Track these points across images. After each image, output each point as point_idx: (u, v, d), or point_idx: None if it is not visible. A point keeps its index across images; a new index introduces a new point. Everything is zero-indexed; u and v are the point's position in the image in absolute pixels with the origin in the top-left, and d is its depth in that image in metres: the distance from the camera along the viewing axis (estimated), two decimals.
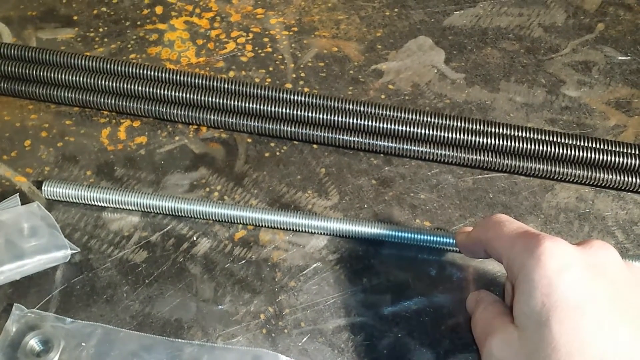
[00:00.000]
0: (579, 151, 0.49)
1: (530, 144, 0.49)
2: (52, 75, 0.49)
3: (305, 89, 0.52)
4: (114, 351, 0.38)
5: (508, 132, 0.49)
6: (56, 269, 0.41)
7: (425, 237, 0.44)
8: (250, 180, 0.47)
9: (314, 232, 0.45)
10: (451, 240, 0.44)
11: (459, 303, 0.42)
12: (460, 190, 0.48)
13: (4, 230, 0.41)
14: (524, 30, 0.59)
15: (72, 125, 0.49)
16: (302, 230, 0.44)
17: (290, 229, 0.44)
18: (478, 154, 0.48)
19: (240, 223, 0.45)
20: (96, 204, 0.44)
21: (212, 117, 0.49)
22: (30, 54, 0.50)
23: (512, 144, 0.48)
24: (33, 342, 0.38)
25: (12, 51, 0.50)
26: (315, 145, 0.49)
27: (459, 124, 0.49)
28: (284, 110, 0.49)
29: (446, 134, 0.48)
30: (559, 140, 0.50)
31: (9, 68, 0.49)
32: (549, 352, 0.31)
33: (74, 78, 0.49)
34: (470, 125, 0.49)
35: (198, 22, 0.56)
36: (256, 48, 0.55)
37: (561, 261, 0.33)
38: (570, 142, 0.50)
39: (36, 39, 0.54)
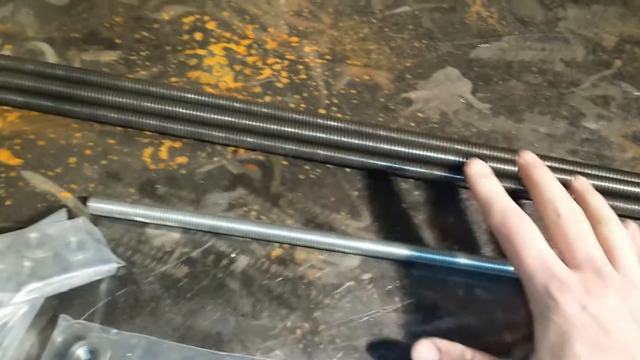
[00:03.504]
0: (599, 181, 0.51)
1: (554, 174, 0.50)
2: (97, 95, 0.51)
3: (338, 115, 0.54)
4: None
5: None
6: (101, 282, 0.43)
7: (454, 259, 0.46)
8: (286, 201, 0.49)
9: (348, 252, 0.46)
10: (480, 264, 0.45)
11: (486, 324, 0.44)
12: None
13: (52, 243, 0.43)
14: (546, 64, 0.62)
15: (115, 144, 0.51)
16: (336, 250, 0.46)
17: (324, 249, 0.46)
18: (505, 181, 0.50)
19: (277, 242, 0.46)
20: (140, 220, 0.46)
21: (249, 139, 0.51)
22: (75, 74, 0.52)
23: None
24: (80, 352, 0.39)
25: (58, 71, 0.52)
26: (347, 169, 0.51)
27: (486, 152, 0.51)
28: (318, 134, 0.51)
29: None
30: (580, 170, 0.52)
31: (55, 87, 0.51)
32: None
33: (117, 99, 0.51)
34: (497, 153, 0.51)
35: (236, 48, 0.59)
36: (291, 75, 0.57)
37: (577, 305, 0.35)
38: (591, 172, 0.52)
39: (80, 60, 0.56)
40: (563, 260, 0.38)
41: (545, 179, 0.43)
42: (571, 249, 0.38)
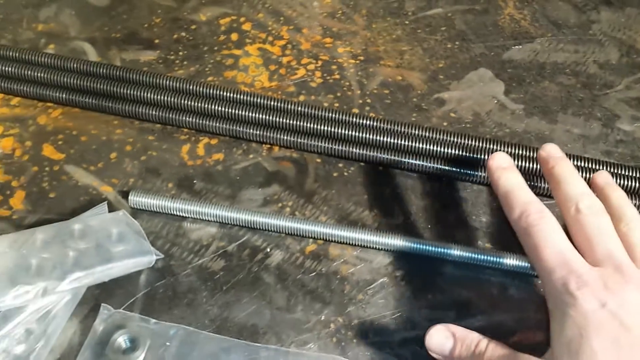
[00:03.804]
0: (633, 182, 0.51)
1: (588, 174, 0.51)
2: (137, 93, 0.53)
3: (371, 114, 0.55)
4: (195, 352, 0.41)
5: None
6: (140, 273, 0.44)
7: (487, 257, 0.46)
8: (320, 197, 0.50)
9: (381, 249, 0.47)
10: (513, 263, 0.46)
11: (519, 322, 0.44)
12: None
13: (94, 235, 0.44)
14: (579, 66, 0.62)
15: (154, 141, 0.52)
16: (370, 247, 0.47)
17: (358, 245, 0.47)
18: (538, 181, 0.50)
19: (311, 237, 0.47)
20: (178, 214, 0.47)
21: (284, 137, 0.52)
22: (116, 73, 0.54)
23: None
24: (121, 340, 0.40)
25: (100, 69, 0.54)
26: (381, 167, 0.52)
27: (519, 152, 0.51)
28: (351, 133, 0.52)
29: None
30: (614, 171, 0.52)
31: (97, 85, 0.53)
32: None
33: (157, 97, 0.52)
34: (530, 153, 0.52)
35: (271, 49, 0.60)
36: (325, 75, 0.58)
37: (596, 302, 0.34)
38: (626, 173, 0.52)
39: (120, 59, 0.58)
40: (583, 257, 0.37)
41: (566, 173, 0.42)
42: (591, 245, 0.38)
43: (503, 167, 0.44)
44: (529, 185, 0.42)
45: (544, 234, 0.38)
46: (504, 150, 0.51)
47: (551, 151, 0.44)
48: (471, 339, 0.39)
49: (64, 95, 0.53)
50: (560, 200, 0.41)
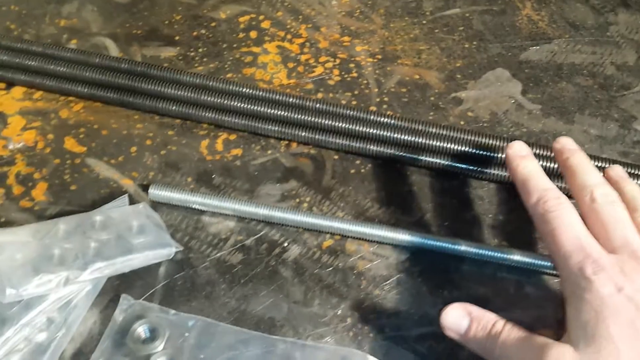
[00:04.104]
0: None
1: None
2: (157, 88, 0.53)
3: (389, 112, 0.55)
4: (213, 343, 0.41)
5: None
6: (160, 265, 0.45)
7: (505, 255, 0.46)
8: (337, 194, 0.50)
9: (397, 245, 0.47)
10: (530, 261, 0.46)
11: (535, 320, 0.44)
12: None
13: (115, 226, 0.45)
14: (597, 67, 0.62)
15: (174, 136, 0.53)
16: (386, 243, 0.47)
17: (375, 241, 0.47)
18: (556, 180, 0.50)
19: (328, 232, 0.47)
20: (197, 208, 0.48)
21: (302, 133, 0.52)
22: (138, 68, 0.55)
23: None
24: (141, 330, 0.41)
25: (122, 65, 0.55)
26: (398, 165, 0.52)
27: (536, 151, 0.52)
28: (369, 130, 0.52)
29: None
30: (631, 172, 0.52)
31: (118, 80, 0.54)
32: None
33: (176, 92, 0.53)
34: (547, 152, 0.52)
35: (289, 47, 0.61)
36: (342, 73, 0.59)
37: (613, 286, 0.34)
38: None
39: (141, 55, 0.59)
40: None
41: (581, 164, 0.42)
42: (607, 233, 0.38)
43: (521, 155, 0.44)
44: None
45: (561, 220, 0.38)
46: None
47: (566, 143, 0.45)
48: (487, 319, 0.39)
49: (85, 90, 0.54)
50: (575, 189, 0.41)
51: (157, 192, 0.48)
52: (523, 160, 0.44)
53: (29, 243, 0.42)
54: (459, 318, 0.39)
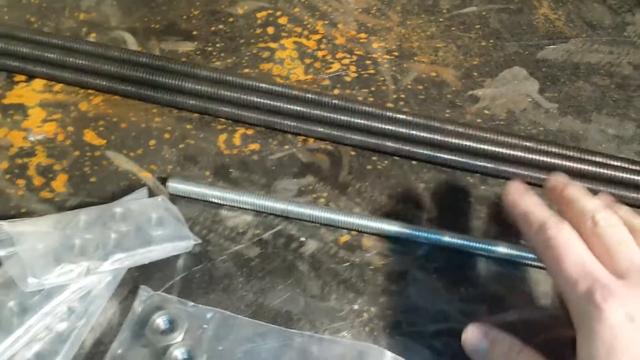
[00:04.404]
0: None
1: (623, 173, 0.51)
2: (176, 82, 0.54)
3: (405, 109, 0.55)
4: (231, 335, 0.41)
5: (600, 160, 0.52)
6: (178, 258, 0.45)
7: (520, 253, 0.46)
8: (354, 190, 0.50)
9: (414, 242, 0.47)
10: None
11: (552, 319, 0.44)
12: (555, 211, 0.50)
13: (135, 218, 0.45)
14: (614, 67, 0.62)
15: (192, 130, 0.53)
16: (403, 239, 0.47)
17: (391, 237, 0.47)
18: (572, 179, 0.50)
19: (345, 228, 0.48)
20: (215, 201, 0.48)
21: (319, 129, 0.53)
22: (157, 62, 0.55)
23: (605, 171, 0.51)
24: (160, 321, 0.41)
25: (141, 58, 0.55)
26: (414, 162, 0.52)
27: (554, 150, 0.52)
28: (386, 126, 0.52)
29: (541, 158, 0.51)
30: None
31: (137, 74, 0.54)
32: None
33: (195, 87, 0.53)
34: (564, 151, 0.52)
35: (306, 43, 0.61)
36: (359, 69, 0.59)
37: (624, 314, 0.33)
38: None
39: (159, 49, 0.59)
40: None
41: (578, 194, 0.40)
42: (613, 256, 0.36)
43: (520, 192, 0.42)
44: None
45: (565, 245, 0.36)
46: (537, 148, 0.51)
47: (559, 179, 0.43)
48: (504, 343, 0.39)
49: (105, 83, 0.54)
50: (575, 217, 0.39)
51: (176, 185, 0.48)
52: (522, 196, 0.41)
53: (50, 233, 0.42)
54: (477, 340, 0.39)
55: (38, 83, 0.56)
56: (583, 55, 0.63)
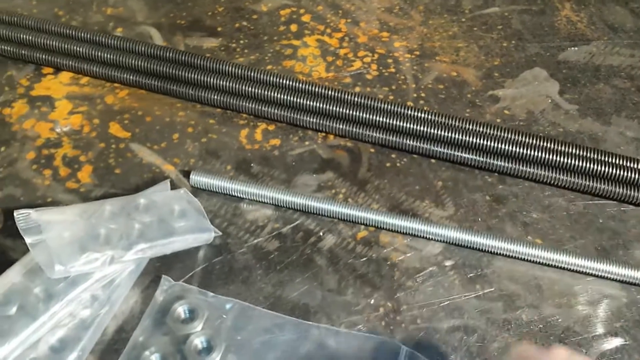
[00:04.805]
0: None
1: None
2: (200, 78, 0.55)
3: (425, 108, 0.56)
4: (250, 326, 0.42)
5: (619, 162, 0.52)
6: (199, 249, 0.46)
7: (537, 252, 0.46)
8: (372, 186, 0.51)
9: (431, 239, 0.48)
10: (562, 258, 0.46)
11: (567, 317, 0.44)
12: (572, 213, 0.50)
13: (157, 210, 0.46)
14: (635, 70, 0.62)
15: (215, 124, 0.54)
16: (420, 236, 0.48)
17: (408, 234, 0.48)
18: (590, 180, 0.51)
19: (363, 224, 0.48)
20: (236, 195, 0.49)
21: (339, 126, 0.53)
22: (182, 58, 0.56)
23: (623, 173, 0.51)
24: (180, 310, 0.42)
25: (167, 54, 0.56)
26: (433, 160, 0.53)
27: (572, 151, 0.52)
28: (405, 125, 0.53)
29: (560, 159, 0.51)
30: None
31: (163, 68, 0.55)
32: None
33: (218, 82, 0.54)
34: (583, 152, 0.52)
35: (329, 41, 0.62)
36: (380, 68, 0.60)
37: None
38: None
39: (184, 45, 0.60)
40: None
41: None
42: None
43: None
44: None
45: None
46: (556, 149, 0.52)
47: None
48: None
49: (130, 77, 0.55)
50: None
51: (198, 179, 0.49)
52: None
53: (76, 222, 0.43)
54: None
55: (65, 76, 0.57)
56: (604, 57, 0.63)
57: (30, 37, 0.57)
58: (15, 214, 0.42)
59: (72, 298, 0.41)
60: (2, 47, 0.57)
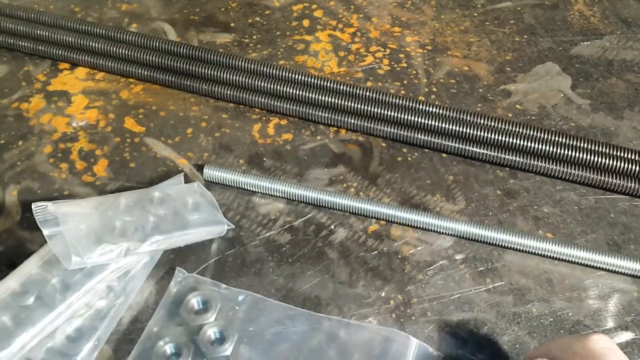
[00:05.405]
0: None
1: None
2: (213, 73, 0.55)
3: (437, 103, 0.56)
4: (262, 317, 0.43)
5: (632, 157, 0.52)
6: (212, 242, 0.47)
7: (548, 246, 0.47)
8: (384, 180, 0.51)
9: (442, 232, 0.48)
10: (574, 252, 0.46)
11: (578, 311, 0.45)
12: (583, 208, 0.50)
13: (172, 203, 0.47)
14: None
15: (228, 119, 0.55)
16: (431, 230, 0.48)
17: (419, 227, 0.48)
18: (602, 175, 0.51)
19: (374, 217, 0.49)
20: (249, 188, 0.49)
21: (351, 120, 0.54)
22: (196, 53, 0.57)
23: (636, 168, 0.51)
24: (194, 301, 0.43)
25: (181, 49, 0.57)
26: (444, 154, 0.53)
27: (583, 145, 0.52)
28: (417, 119, 0.53)
29: (571, 153, 0.51)
30: None
31: (177, 64, 0.56)
32: None
33: (231, 77, 0.55)
34: (595, 147, 0.52)
35: (340, 36, 0.62)
36: (392, 62, 0.60)
37: None
38: None
39: (197, 41, 0.61)
40: None
41: None
42: None
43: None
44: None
45: None
46: (567, 143, 0.52)
47: None
48: None
49: (145, 72, 0.56)
50: None
51: (212, 172, 0.50)
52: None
53: (92, 214, 0.44)
54: None
55: (81, 71, 0.58)
56: (617, 52, 0.63)
57: (47, 33, 0.58)
58: (33, 206, 0.42)
59: (89, 289, 0.42)
60: (20, 43, 0.58)
